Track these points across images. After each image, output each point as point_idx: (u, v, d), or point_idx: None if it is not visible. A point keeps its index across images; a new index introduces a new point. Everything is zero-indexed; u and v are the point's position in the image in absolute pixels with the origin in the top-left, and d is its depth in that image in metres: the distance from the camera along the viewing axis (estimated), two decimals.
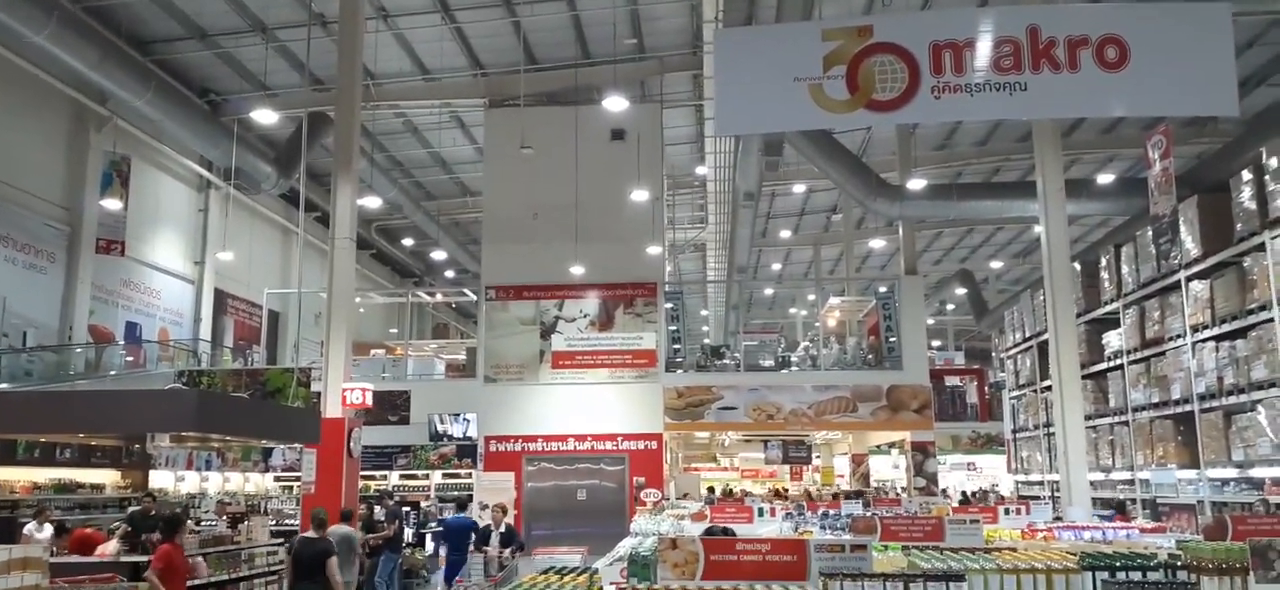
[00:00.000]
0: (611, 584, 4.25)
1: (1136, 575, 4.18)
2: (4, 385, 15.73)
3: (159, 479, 17.34)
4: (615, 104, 17.84)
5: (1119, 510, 13.10)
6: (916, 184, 20.12)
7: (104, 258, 19.42)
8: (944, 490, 21.81)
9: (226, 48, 19.44)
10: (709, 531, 5.96)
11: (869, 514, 8.33)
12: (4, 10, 13.90)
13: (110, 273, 20.11)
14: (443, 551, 13.93)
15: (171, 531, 8.18)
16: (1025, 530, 8.47)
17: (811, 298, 34.98)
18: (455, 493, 19.44)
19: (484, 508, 15.40)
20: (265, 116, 16.77)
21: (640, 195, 19.74)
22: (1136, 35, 6.43)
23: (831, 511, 11.25)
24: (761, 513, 9.01)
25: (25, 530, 11.13)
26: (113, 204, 19.19)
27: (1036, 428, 22.19)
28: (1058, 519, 11.65)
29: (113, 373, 18.57)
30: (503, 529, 12.05)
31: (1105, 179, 21.43)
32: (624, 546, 6.60)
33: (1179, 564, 4.36)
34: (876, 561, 4.14)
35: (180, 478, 17.88)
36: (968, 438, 28.43)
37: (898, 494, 21.34)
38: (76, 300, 19.01)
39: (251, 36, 19.12)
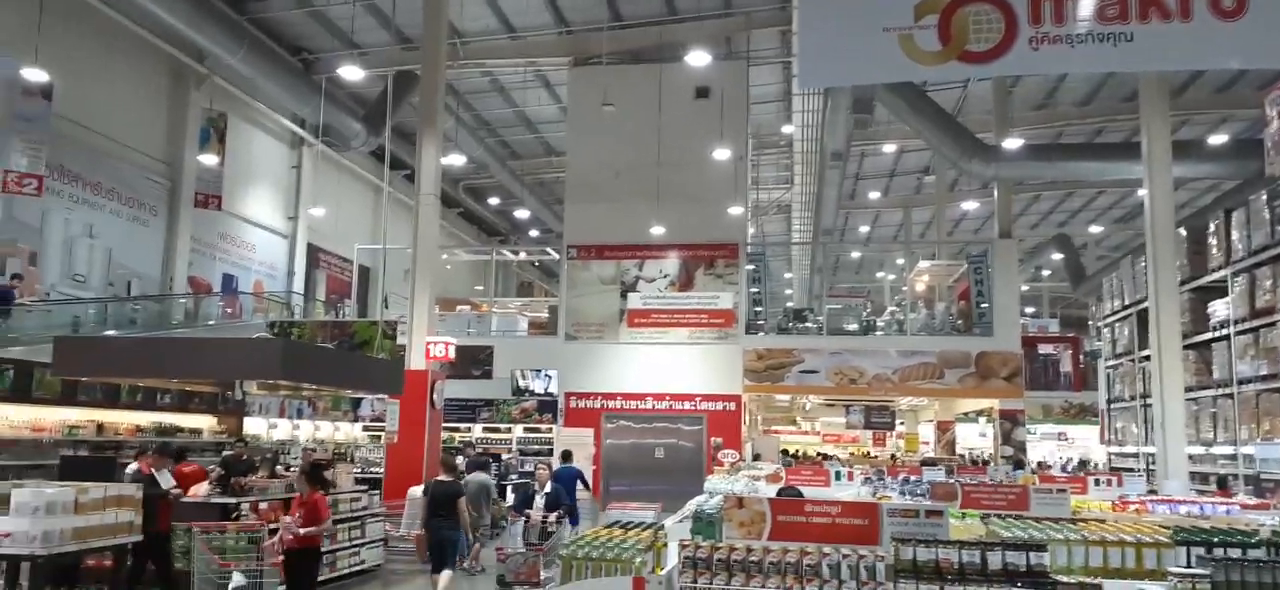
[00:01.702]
0: (677, 540, 4.18)
1: (1236, 552, 3.91)
2: (110, 332, 16.47)
3: (253, 425, 17.99)
4: (698, 59, 17.57)
5: (1220, 485, 12.46)
6: (1013, 144, 19.34)
7: (202, 211, 20.12)
8: (1039, 463, 21.12)
9: (317, 5, 19.79)
10: (781, 493, 5.83)
11: (950, 481, 8.08)
12: None
13: (208, 226, 20.84)
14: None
15: (318, 480, 8.50)
16: (1116, 503, 8.11)
17: (901, 261, 34.19)
18: (536, 447, 19.72)
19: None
20: (352, 73, 17.05)
21: (723, 153, 19.47)
22: None
23: (913, 477, 11.00)
24: (839, 476, 8.82)
25: (128, 470, 11.66)
26: (210, 159, 19.83)
27: (1133, 398, 21.33)
28: (1152, 492, 11.16)
29: (210, 322, 19.30)
30: (548, 490, 11.20)
31: (1218, 140, 20.23)
32: (694, 505, 6.53)
33: None
34: (953, 529, 3.96)
35: (273, 425, 18.51)
36: (1060, 407, 27.59)
37: (984, 462, 20.82)
38: (177, 252, 19.77)
39: None
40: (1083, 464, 23.59)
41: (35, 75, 14.92)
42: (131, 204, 18.83)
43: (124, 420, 15.15)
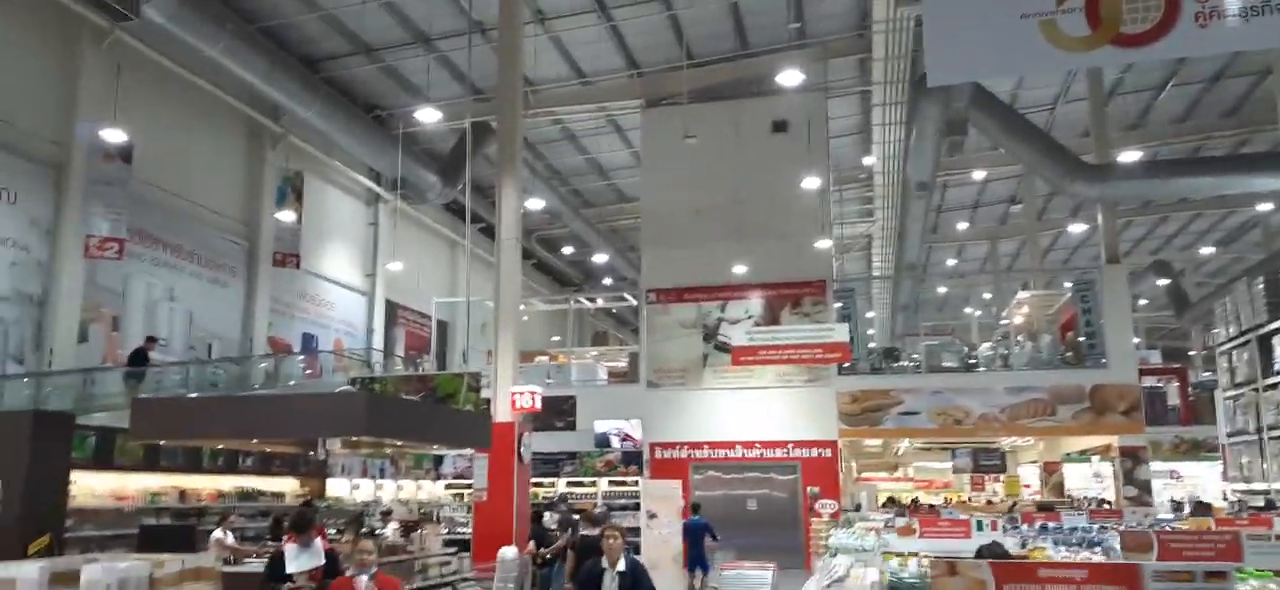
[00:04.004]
0: None
1: None
2: (191, 396, 16.26)
3: (335, 487, 17.57)
4: (789, 79, 16.88)
5: None
6: (1129, 157, 18.18)
7: (280, 271, 20.00)
8: (1199, 503, 19.55)
9: (389, 61, 19.69)
10: (980, 553, 4.97)
11: (1142, 529, 7.07)
12: (181, 26, 14.35)
13: (287, 286, 20.72)
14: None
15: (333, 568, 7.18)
16: None
17: (988, 296, 32.73)
18: (623, 501, 18.94)
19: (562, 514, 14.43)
20: (429, 115, 16.80)
21: (811, 183, 18.69)
22: None
23: (1052, 524, 9.96)
24: (980, 526, 7.87)
25: (213, 536, 11.23)
26: (287, 217, 19.73)
27: (1258, 431, 19.76)
28: None
29: (291, 382, 19.04)
30: (622, 569, 6.79)
31: None
32: (838, 567, 5.69)
33: None
34: None
35: (355, 486, 18.08)
36: (1169, 444, 25.84)
37: (1104, 505, 19.31)
38: (256, 313, 19.64)
39: (413, 48, 19.28)
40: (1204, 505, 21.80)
41: (115, 136, 14.90)
42: (211, 266, 18.77)
43: (206, 486, 14.83)
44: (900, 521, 8.72)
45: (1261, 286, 19.48)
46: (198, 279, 18.42)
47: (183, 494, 14.30)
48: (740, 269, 19.93)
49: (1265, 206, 24.43)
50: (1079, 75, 20.49)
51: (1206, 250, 33.02)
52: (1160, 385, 27.76)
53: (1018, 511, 12.59)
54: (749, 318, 20.01)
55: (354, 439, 10.47)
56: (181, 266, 18.06)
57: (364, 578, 6.41)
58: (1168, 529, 7.08)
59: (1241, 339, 20.76)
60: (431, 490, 19.18)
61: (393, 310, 24.53)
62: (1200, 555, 5.31)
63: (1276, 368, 18.58)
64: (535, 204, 23.32)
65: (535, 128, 22.72)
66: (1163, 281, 31.24)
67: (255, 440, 10.51)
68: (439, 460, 18.34)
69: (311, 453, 14.73)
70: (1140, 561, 5.52)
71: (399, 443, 10.20)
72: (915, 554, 7.39)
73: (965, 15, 6.14)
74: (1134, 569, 2.92)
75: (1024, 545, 7.72)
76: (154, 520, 12.96)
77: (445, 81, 20.33)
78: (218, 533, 11.36)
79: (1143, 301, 40.89)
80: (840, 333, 16.47)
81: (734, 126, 20.17)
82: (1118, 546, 7.69)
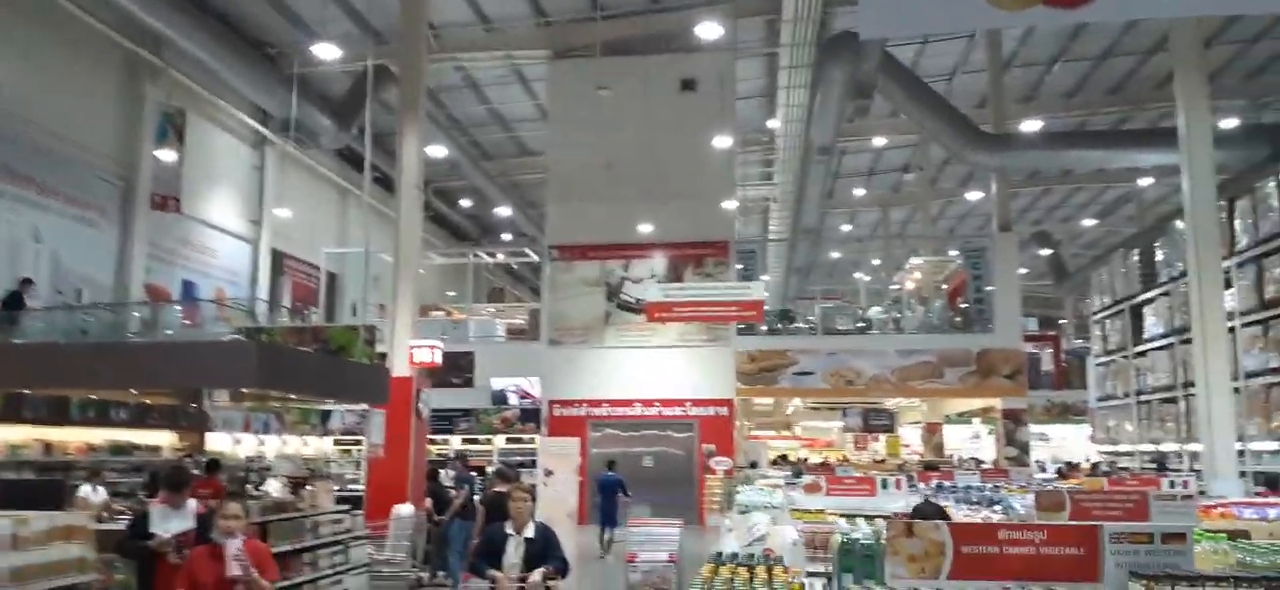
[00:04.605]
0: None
1: None
2: (62, 343, 15.15)
3: (216, 441, 16.71)
4: (708, 30, 16.66)
5: (1269, 485, 11.81)
6: (1032, 126, 18.76)
7: (159, 215, 18.78)
8: (1068, 463, 20.44)
9: None
10: (917, 511, 4.92)
11: (1053, 488, 7.24)
12: None
13: (166, 230, 19.51)
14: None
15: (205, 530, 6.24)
16: (1201, 509, 7.32)
17: (877, 262, 33.56)
18: (519, 458, 18.70)
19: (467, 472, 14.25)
20: (327, 52, 15.88)
21: (724, 141, 18.63)
22: None
23: (946, 483, 10.21)
24: (885, 485, 7.97)
25: (80, 493, 10.47)
26: (168, 156, 18.52)
27: (1126, 396, 20.86)
28: (1201, 493, 10.47)
29: (168, 332, 17.97)
30: (531, 535, 6.26)
31: (1229, 124, 19.75)
32: (758, 525, 5.59)
33: None
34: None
35: (237, 441, 17.25)
36: (1041, 407, 27.12)
37: (983, 465, 20.10)
38: (132, 257, 18.43)
39: None
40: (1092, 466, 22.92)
41: None
42: (80, 205, 17.47)
43: (74, 438, 13.85)
44: (806, 479, 8.76)
45: (1136, 259, 20.52)
46: (64, 218, 17.11)
47: (48, 447, 13.31)
48: (646, 227, 19.80)
49: (1145, 181, 25.64)
50: (978, 46, 20.98)
51: (1089, 222, 34.54)
52: (1035, 351, 29.07)
53: (911, 471, 12.89)
54: (653, 277, 19.94)
55: (241, 391, 9.92)
56: (47, 204, 16.74)
57: (232, 544, 5.50)
58: (1098, 492, 7.30)
59: (1114, 308, 21.85)
60: (318, 446, 18.51)
61: (279, 259, 23.44)
62: (1108, 515, 5.42)
63: (1146, 336, 19.65)
64: (436, 152, 22.58)
65: (436, 74, 21.94)
66: (1045, 251, 32.59)
67: (134, 391, 9.82)
68: (326, 415, 17.67)
69: (192, 405, 13.93)
70: (1053, 520, 5.62)
71: (292, 396, 9.68)
72: (821, 511, 7.43)
73: None
74: (1092, 532, 2.86)
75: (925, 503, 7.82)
76: (15, 475, 12.02)
77: (340, 19, 19.35)
78: (86, 489, 10.62)
79: (1023, 271, 42.65)
80: (756, 290, 16.59)
81: (642, 83, 19.96)
82: (1016, 505, 7.92)
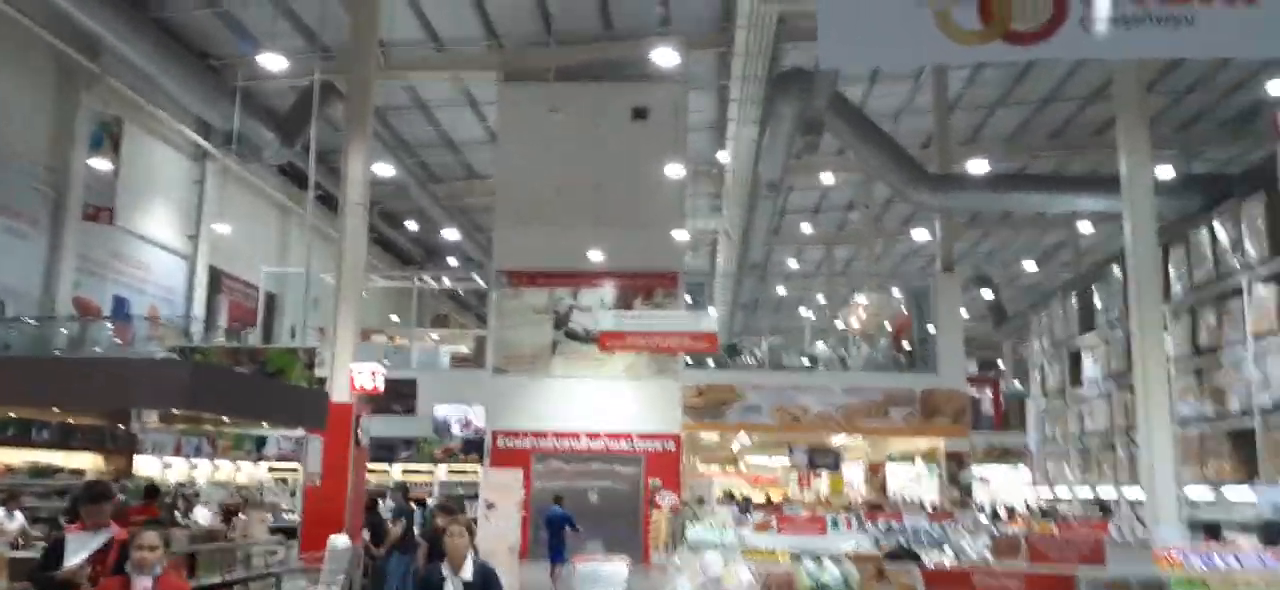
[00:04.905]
0: None
1: None
2: None
3: (145, 465, 16.05)
4: (663, 57, 16.59)
5: (1209, 532, 11.97)
6: (976, 167, 19.08)
7: (92, 226, 18.10)
8: (1009, 509, 20.61)
9: (227, 7, 18.20)
10: (890, 556, 4.80)
11: (1012, 532, 7.19)
12: None
13: (98, 243, 18.80)
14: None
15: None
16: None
17: (822, 299, 33.83)
18: (461, 490, 18.31)
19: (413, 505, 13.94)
20: (275, 62, 15.45)
21: (675, 171, 18.60)
22: None
23: (896, 523, 10.16)
24: (836, 524, 7.87)
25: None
26: (102, 166, 17.88)
27: (1064, 439, 21.19)
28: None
29: (97, 349, 17.28)
30: (469, 578, 5.78)
31: (1165, 173, 20.39)
32: (712, 565, 5.44)
33: None
34: None
35: (167, 465, 16.61)
36: (982, 449, 27.47)
37: (935, 507, 20.21)
38: (61, 270, 17.71)
39: None
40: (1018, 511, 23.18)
41: None
42: (9, 214, 16.77)
43: None
44: (758, 517, 8.63)
45: (1074, 303, 20.93)
46: None
47: None
48: (596, 255, 19.66)
49: (1084, 226, 26.27)
50: (924, 87, 21.35)
51: (1027, 265, 35.27)
52: (975, 393, 29.47)
53: (858, 511, 12.87)
54: (603, 306, 19.77)
55: (173, 413, 9.50)
56: None
57: (142, 580, 4.95)
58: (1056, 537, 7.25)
59: (1053, 351, 22.25)
60: (253, 472, 17.92)
61: (217, 277, 22.77)
62: (1064, 559, 5.36)
63: (1083, 378, 20.01)
64: (383, 171, 22.19)
65: (385, 92, 21.63)
66: (985, 293, 33.19)
67: (58, 409, 9.33)
68: (262, 441, 17.13)
69: (121, 426, 13.34)
70: (1012, 566, 5.55)
71: (226, 420, 9.30)
72: (774, 551, 7.29)
73: None
74: (1068, 581, 2.76)
75: (877, 545, 7.74)
76: None
77: (288, 34, 18.97)
78: (0, 514, 10.05)
79: (963, 313, 43.28)
80: (709, 321, 16.55)
81: (594, 110, 19.88)
82: (965, 546, 7.86)
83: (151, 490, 10.61)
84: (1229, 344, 13.79)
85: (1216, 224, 14.20)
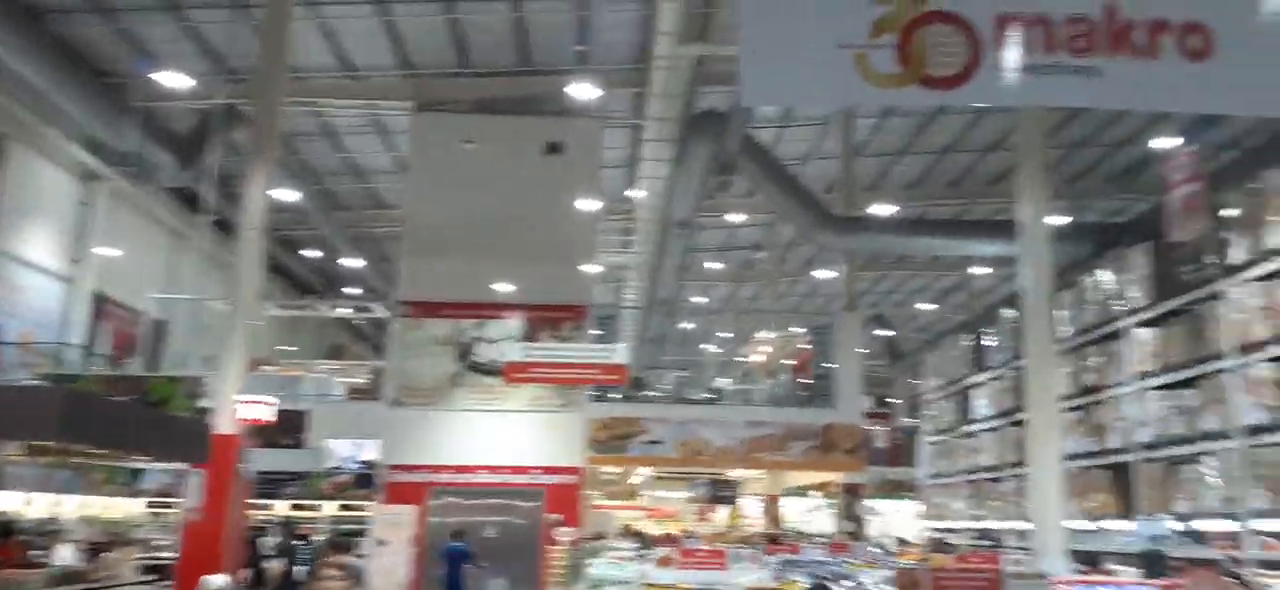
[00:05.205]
0: None
1: None
2: None
3: (3, 500, 14.99)
4: (581, 91, 16.53)
5: (1088, 562, 12.43)
6: (884, 210, 19.62)
7: None
8: (901, 539, 20.95)
9: (126, 23, 17.48)
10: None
11: (912, 566, 7.28)
12: None
13: None
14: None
15: None
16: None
17: (726, 335, 34.26)
18: (350, 526, 17.72)
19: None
20: (178, 81, 14.84)
21: (589, 205, 18.61)
22: (1223, 23, 5.63)
23: (794, 556, 10.24)
24: (737, 558, 7.88)
25: None
26: None
27: (955, 475, 21.82)
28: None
29: None
30: None
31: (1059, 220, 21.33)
32: None
33: None
34: None
35: (29, 500, 15.53)
36: (875, 483, 28.03)
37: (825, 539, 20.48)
38: None
39: (158, 15, 17.24)
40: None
41: None
42: None
43: None
44: (659, 552, 8.58)
45: (967, 344, 21.66)
46: None
47: None
48: (503, 287, 19.46)
49: (977, 270, 27.24)
50: (830, 134, 21.91)
51: (923, 306, 36.33)
52: (870, 428, 30.09)
53: (757, 544, 12.94)
54: (510, 338, 19.52)
55: (40, 444, 8.93)
56: None
57: None
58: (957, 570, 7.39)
59: (945, 390, 22.93)
60: (126, 508, 16.96)
61: (102, 304, 21.70)
62: (965, 588, 5.49)
63: (974, 417, 20.67)
64: (285, 197, 21.54)
65: (291, 118, 21.08)
66: (882, 332, 34.05)
67: None
68: (136, 473, 16.26)
69: None
70: None
71: (99, 451, 8.80)
72: (674, 587, 7.27)
73: (783, 37, 6.02)
74: None
75: (777, 579, 7.79)
76: None
77: (191, 55, 18.32)
78: None
79: (860, 350, 44.29)
80: (619, 354, 16.50)
81: (507, 142, 19.78)
82: (866, 581, 7.98)
83: (6, 529, 9.97)
84: (1111, 384, 14.40)
85: (1104, 270, 14.89)
